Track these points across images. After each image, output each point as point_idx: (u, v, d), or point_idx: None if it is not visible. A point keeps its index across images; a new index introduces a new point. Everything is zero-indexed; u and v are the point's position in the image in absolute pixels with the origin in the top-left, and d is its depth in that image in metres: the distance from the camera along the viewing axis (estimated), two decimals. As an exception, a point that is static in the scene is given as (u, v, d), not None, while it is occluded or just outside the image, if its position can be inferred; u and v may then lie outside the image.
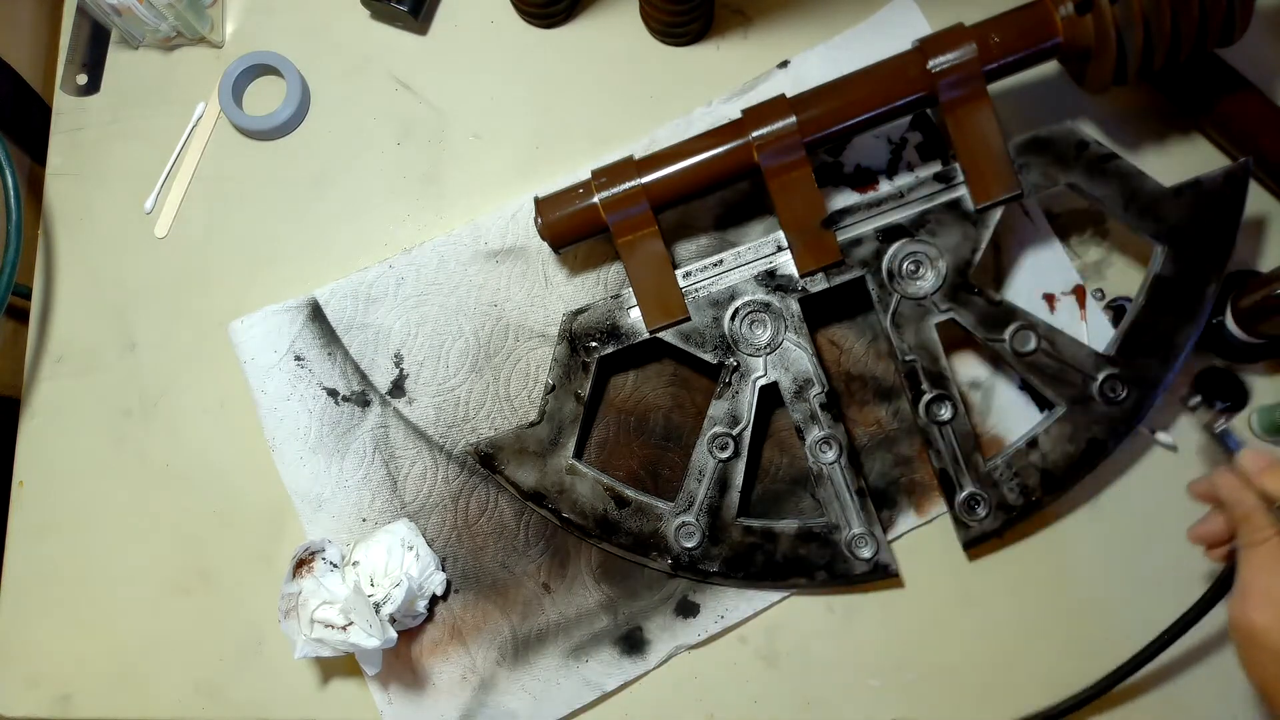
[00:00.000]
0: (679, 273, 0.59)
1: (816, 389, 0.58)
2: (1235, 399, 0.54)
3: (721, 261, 0.59)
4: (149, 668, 0.63)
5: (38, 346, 0.68)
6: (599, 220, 0.59)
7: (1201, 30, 0.56)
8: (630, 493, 0.60)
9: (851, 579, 0.59)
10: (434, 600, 0.62)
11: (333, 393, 0.64)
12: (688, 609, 0.61)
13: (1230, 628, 0.48)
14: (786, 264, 0.59)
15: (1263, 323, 0.59)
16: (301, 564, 0.60)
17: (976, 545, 0.60)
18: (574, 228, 0.59)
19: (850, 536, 0.59)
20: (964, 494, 0.58)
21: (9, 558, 0.65)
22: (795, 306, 0.59)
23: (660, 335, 0.59)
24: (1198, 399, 0.54)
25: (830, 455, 0.58)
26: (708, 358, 0.59)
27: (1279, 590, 0.46)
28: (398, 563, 0.59)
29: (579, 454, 0.61)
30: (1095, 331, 0.63)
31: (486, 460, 0.61)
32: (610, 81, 0.68)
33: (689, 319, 0.59)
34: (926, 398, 0.58)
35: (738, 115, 0.58)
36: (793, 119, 0.57)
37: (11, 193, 0.64)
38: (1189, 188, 0.58)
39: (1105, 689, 0.56)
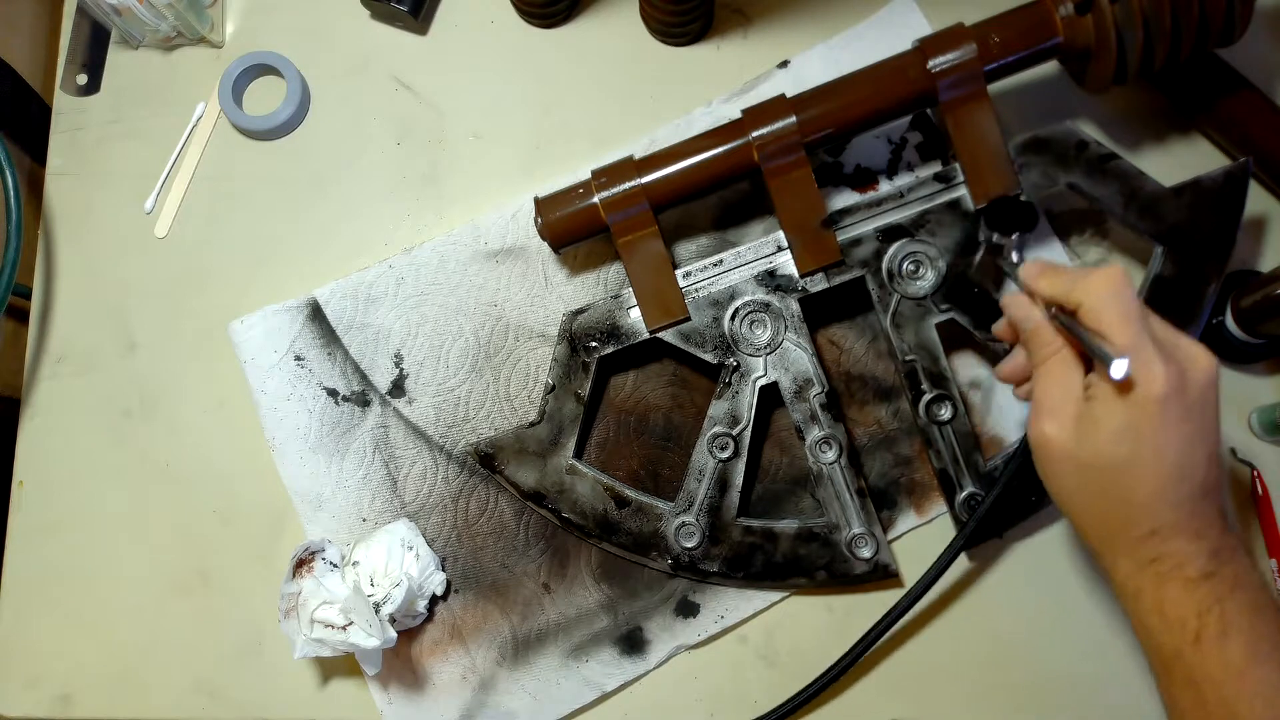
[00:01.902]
0: (679, 273, 0.59)
1: (816, 389, 0.58)
2: (1026, 224, 0.51)
3: (721, 261, 0.59)
4: (149, 668, 0.63)
5: (38, 346, 0.68)
6: (599, 220, 0.59)
7: (1201, 30, 0.56)
8: (630, 493, 0.60)
9: (851, 579, 0.59)
10: (434, 600, 0.62)
11: (333, 393, 0.64)
12: (688, 609, 0.61)
13: (1029, 445, 0.47)
14: (786, 264, 0.59)
15: (1263, 323, 0.59)
16: (301, 564, 0.60)
17: (976, 545, 0.60)
18: (574, 228, 0.59)
19: (850, 536, 0.59)
20: (964, 494, 0.58)
21: (9, 558, 0.65)
22: (795, 306, 0.59)
23: (660, 335, 0.59)
24: (993, 235, 0.51)
25: (830, 455, 0.58)
26: (708, 358, 0.59)
27: (1068, 401, 0.44)
28: (398, 563, 0.59)
29: (579, 454, 0.61)
30: (1095, 331, 0.63)
31: (486, 460, 0.61)
32: (610, 81, 0.68)
33: (689, 319, 0.59)
34: (926, 398, 0.58)
35: (738, 115, 0.58)
36: (793, 119, 0.57)
37: (11, 193, 0.64)
38: (1189, 188, 0.58)
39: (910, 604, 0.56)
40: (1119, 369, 0.41)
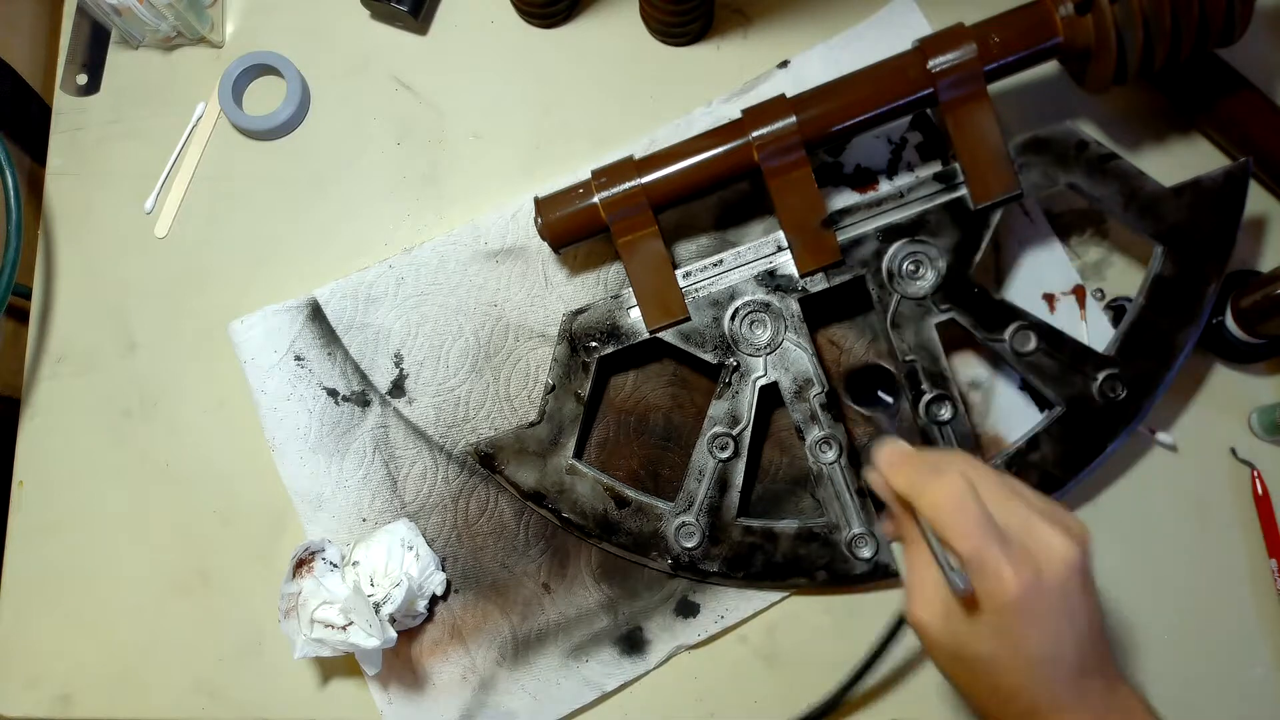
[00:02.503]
0: (679, 273, 0.59)
1: (816, 389, 0.58)
2: (890, 389, 0.51)
3: (721, 261, 0.59)
4: (149, 668, 0.63)
5: (38, 346, 0.68)
6: (599, 220, 0.59)
7: (1201, 30, 0.56)
8: (630, 493, 0.60)
9: (851, 579, 0.59)
10: (434, 600, 0.62)
11: (333, 393, 0.64)
12: (688, 609, 0.61)
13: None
14: (786, 264, 0.59)
15: (1263, 323, 0.59)
16: (301, 564, 0.60)
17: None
18: (574, 228, 0.59)
19: (850, 536, 0.59)
20: (964, 494, 0.58)
21: (9, 558, 0.65)
22: (795, 306, 0.59)
23: (660, 335, 0.59)
24: (860, 406, 0.51)
25: (830, 455, 0.58)
26: (708, 358, 0.59)
27: (933, 588, 0.44)
28: (398, 563, 0.59)
29: (579, 454, 0.61)
30: (1095, 331, 0.63)
31: (486, 460, 0.61)
32: (610, 81, 0.68)
33: (689, 319, 0.59)
34: (926, 398, 0.58)
35: (738, 115, 0.58)
36: (793, 119, 0.57)
37: (11, 193, 0.64)
38: (1189, 188, 0.58)
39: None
40: (958, 584, 0.41)
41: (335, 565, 0.60)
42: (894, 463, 0.47)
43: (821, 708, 0.57)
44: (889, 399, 0.49)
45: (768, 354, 0.59)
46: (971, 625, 0.43)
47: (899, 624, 0.53)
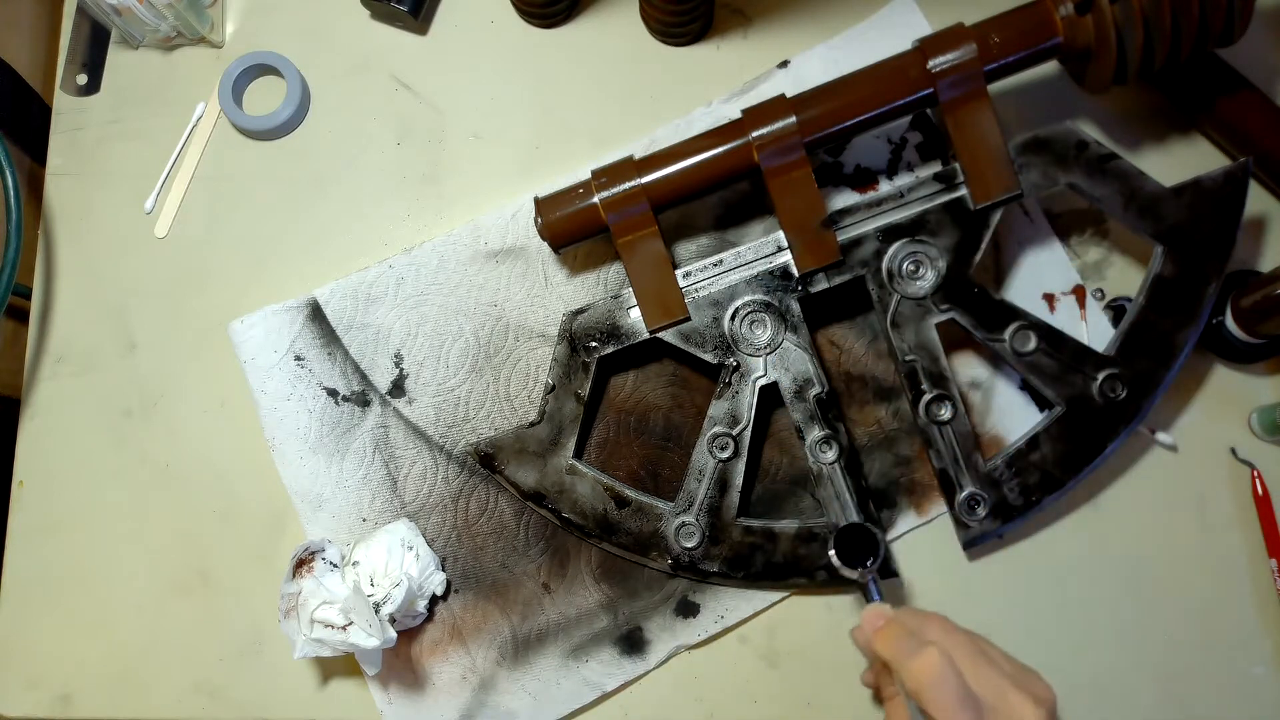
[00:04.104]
0: (679, 273, 0.59)
1: (816, 389, 0.58)
2: (873, 551, 0.54)
3: (721, 261, 0.59)
4: (149, 668, 0.63)
5: (38, 346, 0.68)
6: (599, 220, 0.59)
7: (1201, 30, 0.56)
8: (630, 493, 0.60)
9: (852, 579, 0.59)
10: (434, 600, 0.62)
11: (333, 393, 0.64)
12: (688, 609, 0.61)
13: None
14: (786, 264, 0.59)
15: (1263, 323, 0.59)
16: (301, 564, 0.60)
17: (976, 545, 0.60)
18: (574, 228, 0.59)
19: (850, 536, 0.58)
20: (964, 494, 0.58)
21: (9, 558, 0.65)
22: (795, 306, 0.59)
23: (660, 335, 0.59)
24: (842, 565, 0.54)
25: (830, 455, 0.58)
26: (708, 358, 0.59)
27: None
28: (398, 563, 0.59)
29: (579, 454, 0.61)
30: (1095, 331, 0.63)
31: (486, 460, 0.61)
32: (610, 81, 0.68)
33: (689, 319, 0.59)
34: (926, 398, 0.58)
35: (738, 115, 0.58)
36: (793, 119, 0.57)
37: (11, 193, 0.64)
38: (1189, 188, 0.58)
39: None
40: None
41: (335, 565, 0.60)
42: (878, 627, 0.50)
43: None
44: (872, 560, 0.52)
45: (768, 354, 0.59)
46: None
47: None
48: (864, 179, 0.65)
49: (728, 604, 0.61)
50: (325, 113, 0.70)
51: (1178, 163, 0.65)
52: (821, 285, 0.59)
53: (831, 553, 0.54)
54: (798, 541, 0.59)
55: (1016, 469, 0.58)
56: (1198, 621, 0.60)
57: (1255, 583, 0.61)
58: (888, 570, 0.59)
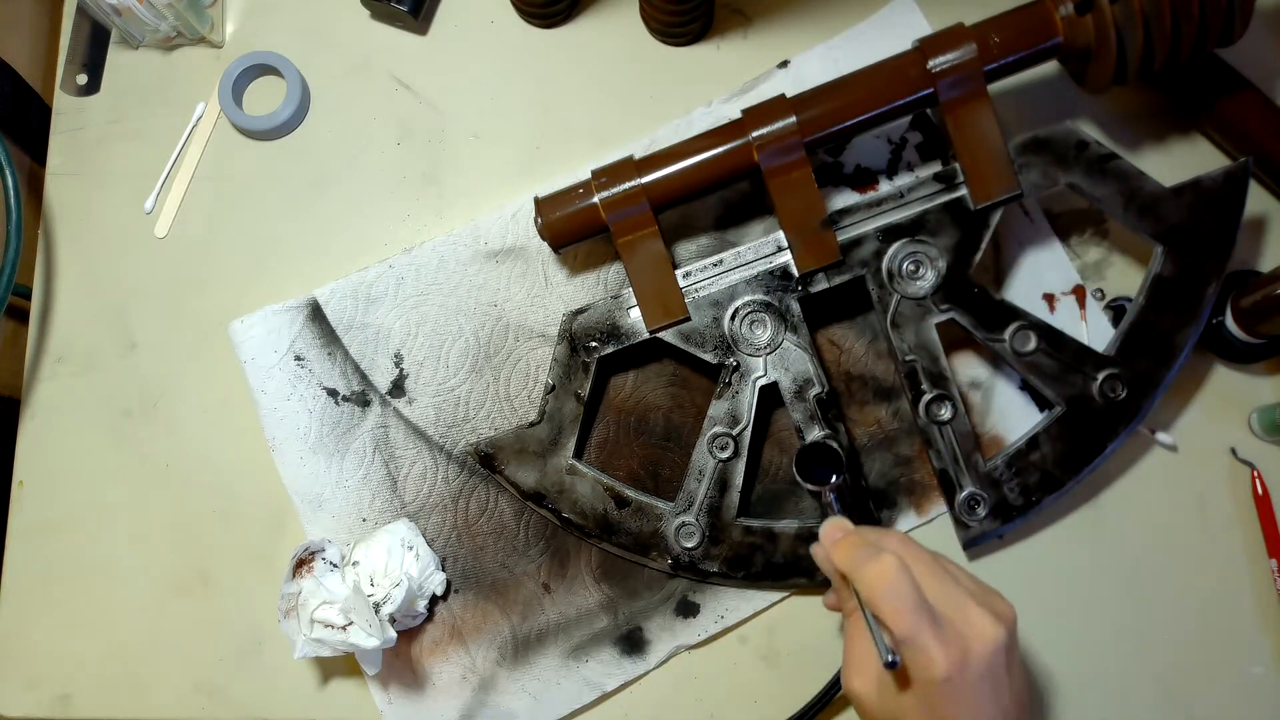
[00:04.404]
0: (679, 273, 0.59)
1: (816, 389, 0.58)
2: (836, 468, 0.54)
3: (721, 261, 0.59)
4: (149, 668, 0.63)
5: (38, 346, 0.68)
6: (599, 220, 0.59)
7: (1201, 30, 0.56)
8: (630, 493, 0.60)
9: (851, 579, 0.59)
10: (434, 600, 0.62)
11: (333, 393, 0.64)
12: (688, 609, 0.61)
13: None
14: (786, 264, 0.59)
15: (1263, 323, 0.59)
16: (301, 564, 0.60)
17: (976, 545, 0.60)
18: (574, 228, 0.59)
19: (850, 536, 0.58)
20: (964, 494, 0.58)
21: (9, 558, 0.65)
22: (795, 306, 0.59)
23: (660, 335, 0.59)
24: (804, 481, 0.54)
25: (830, 455, 0.58)
26: (708, 358, 0.59)
27: (868, 660, 0.46)
28: (398, 563, 0.59)
29: (579, 454, 0.61)
30: (1095, 331, 0.63)
31: (486, 460, 0.61)
32: (610, 81, 0.68)
33: (689, 319, 0.59)
34: (926, 398, 0.58)
35: (738, 115, 0.58)
36: (793, 119, 0.57)
37: (11, 193, 0.64)
38: (1189, 188, 0.58)
39: None
40: (888, 659, 0.43)
41: (335, 565, 0.60)
42: (836, 539, 0.50)
43: None
44: (834, 476, 0.52)
45: (768, 354, 0.59)
46: (902, 700, 0.45)
47: (835, 687, 0.58)
48: (864, 179, 0.65)
49: (728, 604, 0.61)
50: (325, 113, 0.70)
51: (1178, 163, 0.65)
52: (821, 285, 0.59)
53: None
54: (798, 541, 0.59)
55: (1016, 469, 0.58)
56: (1198, 621, 0.60)
57: (1255, 583, 0.61)
58: (851, 493, 0.59)
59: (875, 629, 0.45)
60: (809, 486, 0.53)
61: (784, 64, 0.67)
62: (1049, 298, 0.64)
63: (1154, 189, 0.58)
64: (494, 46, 0.70)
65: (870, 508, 0.59)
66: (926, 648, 0.43)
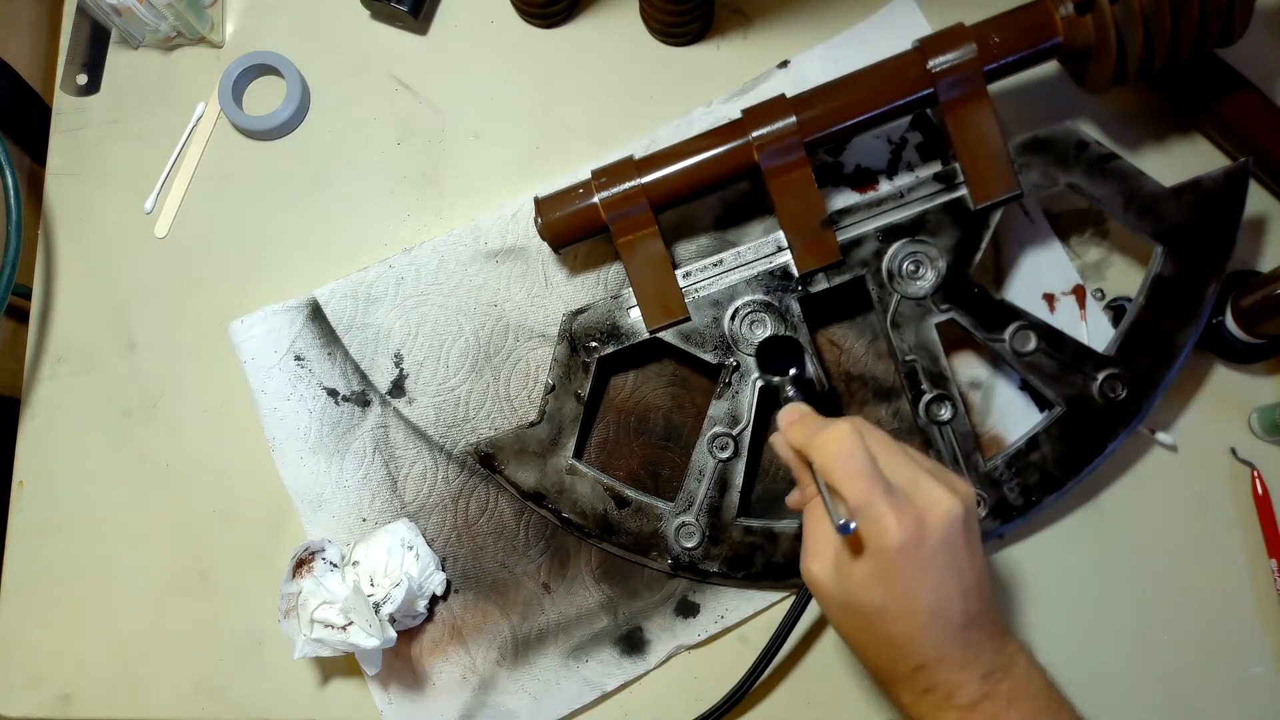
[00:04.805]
0: (679, 273, 0.59)
1: (817, 389, 0.58)
2: (797, 360, 0.53)
3: (721, 261, 0.59)
4: (149, 668, 0.63)
5: (38, 346, 0.68)
6: (599, 220, 0.59)
7: (1201, 30, 0.56)
8: (630, 493, 0.60)
9: (851, 579, 0.59)
10: (434, 600, 0.62)
11: (333, 393, 0.64)
12: (688, 609, 0.61)
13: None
14: (786, 264, 0.59)
15: (1263, 323, 0.59)
16: (301, 564, 0.60)
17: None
18: (574, 228, 0.59)
19: (850, 536, 0.58)
20: (964, 494, 0.58)
21: (9, 558, 0.65)
22: (795, 306, 0.59)
23: (660, 335, 0.59)
24: (767, 376, 0.53)
25: (830, 455, 0.58)
26: (708, 358, 0.59)
27: (826, 542, 0.46)
28: (398, 563, 0.59)
29: (579, 454, 0.61)
30: (1095, 331, 0.63)
31: (486, 460, 0.61)
32: (610, 81, 0.68)
33: (689, 319, 0.59)
34: (926, 398, 0.58)
35: (738, 115, 0.58)
36: (793, 119, 0.57)
37: (11, 193, 0.64)
38: (1189, 188, 0.58)
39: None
40: (839, 523, 0.43)
41: (335, 565, 0.60)
42: (792, 420, 0.49)
43: (743, 681, 0.58)
44: (796, 368, 0.51)
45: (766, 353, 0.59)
46: (857, 572, 0.44)
47: (805, 601, 0.56)
48: (864, 179, 0.65)
49: (728, 604, 0.61)
50: (325, 113, 0.70)
51: (1178, 163, 0.65)
52: (821, 285, 0.59)
53: (752, 361, 0.52)
54: (798, 541, 0.59)
55: (1016, 469, 0.58)
56: (1198, 621, 0.60)
57: (1255, 583, 0.61)
58: (813, 388, 0.58)
59: (828, 498, 0.44)
60: (770, 378, 0.53)
61: (784, 64, 0.67)
62: (1049, 298, 0.64)
63: (1154, 189, 0.58)
64: (494, 46, 0.70)
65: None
66: (881, 515, 0.43)
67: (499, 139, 0.68)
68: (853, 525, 0.43)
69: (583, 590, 0.62)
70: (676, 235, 0.65)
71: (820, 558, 0.46)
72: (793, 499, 0.54)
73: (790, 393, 0.53)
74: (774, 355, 0.54)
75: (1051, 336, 0.58)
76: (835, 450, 0.44)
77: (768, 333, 0.59)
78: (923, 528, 0.43)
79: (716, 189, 0.60)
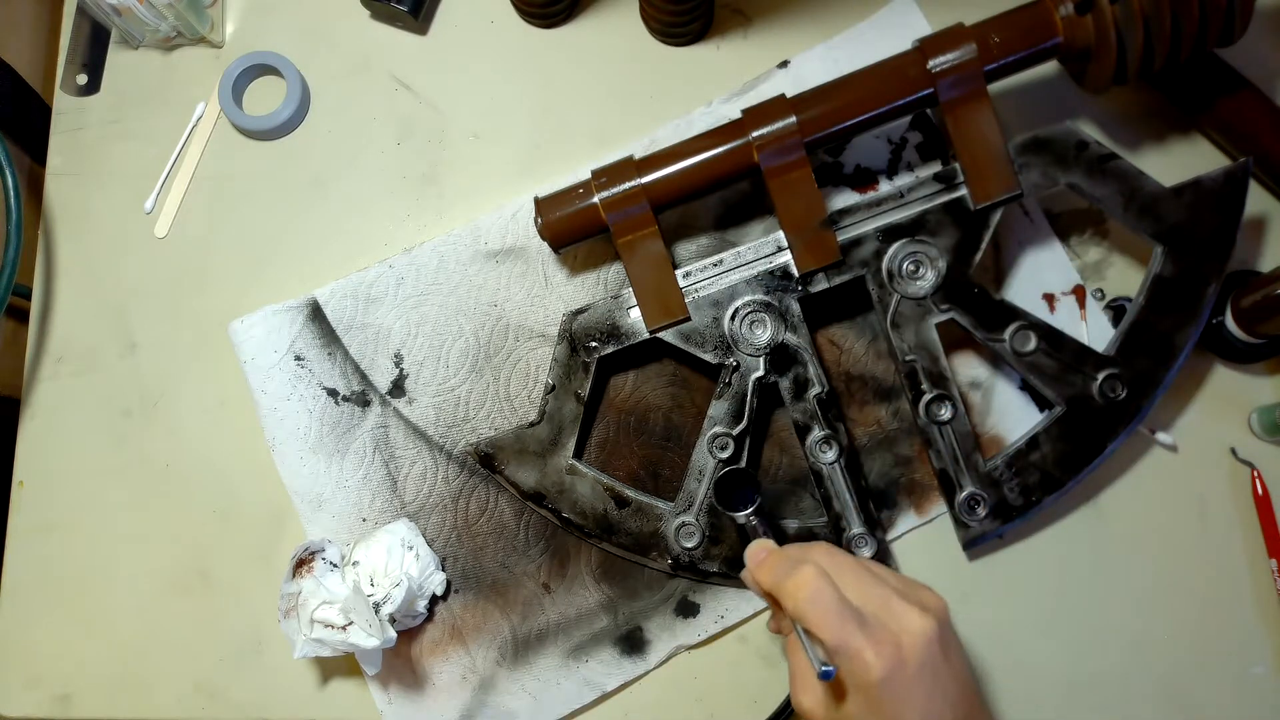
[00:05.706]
0: (679, 273, 0.59)
1: (816, 389, 0.58)
2: (754, 489, 0.54)
3: (721, 261, 0.59)
4: (149, 668, 0.63)
5: (38, 346, 0.68)
6: (599, 220, 0.59)
7: (1201, 30, 0.56)
8: (630, 493, 0.60)
9: (851, 579, 0.59)
10: (434, 600, 0.62)
11: (333, 393, 0.64)
12: (688, 609, 0.61)
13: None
14: (786, 264, 0.59)
15: (1263, 323, 0.59)
16: (301, 564, 0.60)
17: (976, 545, 0.60)
18: (574, 228, 0.59)
19: (850, 536, 0.58)
20: (964, 494, 0.58)
21: (9, 558, 0.65)
22: (795, 306, 0.59)
23: (660, 335, 0.59)
24: (724, 510, 0.54)
25: (830, 455, 0.58)
26: (708, 358, 0.59)
27: (812, 673, 0.46)
28: (398, 563, 0.59)
29: (579, 454, 0.61)
30: (1095, 331, 0.63)
31: (486, 460, 0.61)
32: (610, 81, 0.68)
33: (689, 319, 0.59)
34: (926, 398, 0.58)
35: (738, 115, 0.58)
36: (793, 119, 0.57)
37: (11, 193, 0.64)
38: (1189, 188, 0.58)
39: None
40: (819, 669, 0.43)
41: (335, 565, 0.60)
42: (760, 560, 0.50)
43: None
44: (754, 499, 0.54)
45: (767, 354, 0.59)
46: (847, 709, 0.45)
47: (787, 708, 0.58)
48: (864, 179, 0.65)
49: (728, 604, 0.61)
50: (325, 113, 0.70)
51: (1178, 163, 0.65)
52: (821, 285, 0.59)
53: (712, 498, 0.53)
54: (798, 541, 0.59)
55: (1016, 469, 0.58)
56: (1198, 621, 0.60)
57: (1255, 583, 0.61)
58: (772, 520, 0.59)
59: (806, 642, 0.45)
60: (730, 515, 0.54)
61: (784, 64, 0.67)
62: (1049, 298, 0.64)
63: (1154, 189, 0.58)
64: (494, 46, 0.70)
65: (870, 508, 0.59)
66: (859, 651, 0.43)
67: (499, 139, 0.68)
68: (832, 671, 0.43)
69: (583, 590, 0.62)
70: (676, 235, 0.65)
71: (809, 691, 0.47)
72: (772, 626, 0.55)
73: (754, 522, 0.54)
74: (733, 488, 0.54)
75: (1051, 336, 0.58)
76: (804, 595, 0.45)
77: (768, 332, 0.59)
78: (901, 654, 0.44)
79: (716, 189, 0.60)
